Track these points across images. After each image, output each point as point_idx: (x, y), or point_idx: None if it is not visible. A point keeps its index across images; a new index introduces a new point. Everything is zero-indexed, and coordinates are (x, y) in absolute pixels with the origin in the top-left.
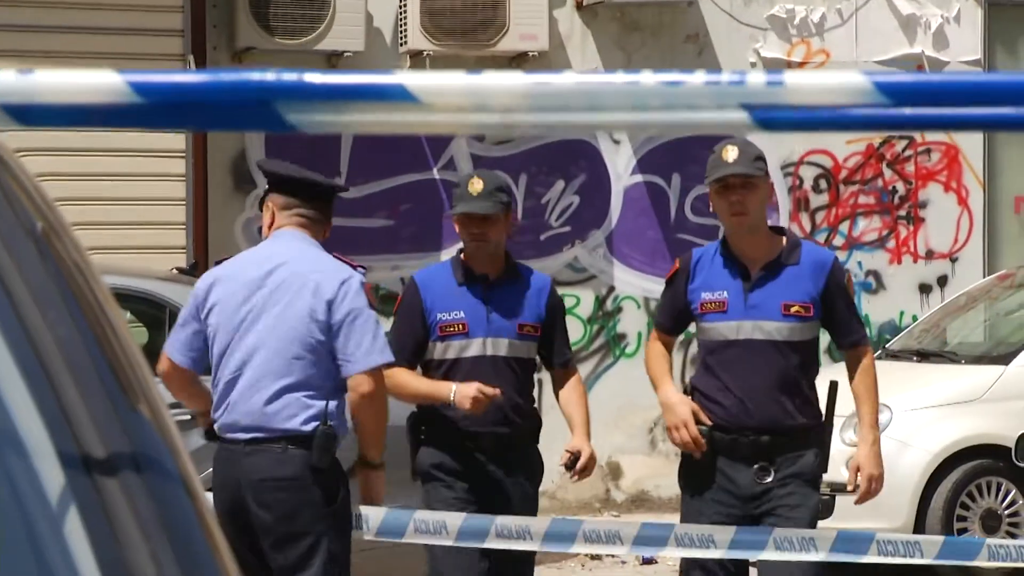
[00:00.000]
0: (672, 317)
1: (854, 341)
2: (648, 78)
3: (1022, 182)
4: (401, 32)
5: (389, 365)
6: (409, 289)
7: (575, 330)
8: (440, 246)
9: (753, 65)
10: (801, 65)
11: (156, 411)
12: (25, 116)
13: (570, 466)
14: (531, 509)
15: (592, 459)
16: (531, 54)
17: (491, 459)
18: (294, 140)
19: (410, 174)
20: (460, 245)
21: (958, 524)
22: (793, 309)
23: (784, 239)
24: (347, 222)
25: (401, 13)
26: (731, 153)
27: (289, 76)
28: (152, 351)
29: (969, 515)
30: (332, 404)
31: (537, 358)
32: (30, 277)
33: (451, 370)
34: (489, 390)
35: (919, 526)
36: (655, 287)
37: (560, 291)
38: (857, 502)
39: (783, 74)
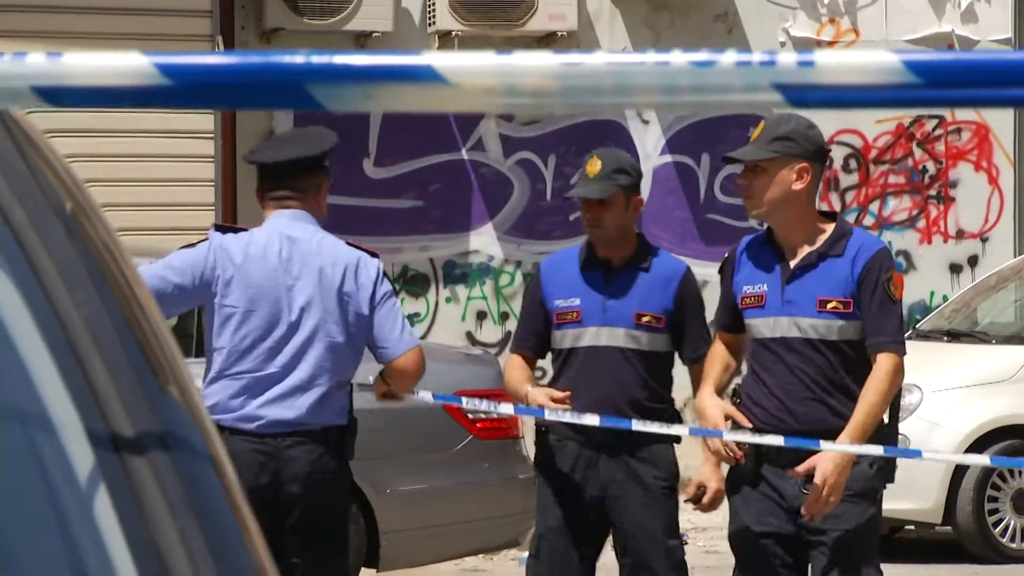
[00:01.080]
0: (727, 312)
1: (875, 344)
2: (678, 58)
3: None
4: (430, 12)
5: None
6: (534, 276)
7: None
8: (469, 227)
9: (782, 44)
10: (831, 44)
11: (185, 391)
12: (55, 98)
13: (696, 499)
14: (658, 506)
15: (720, 493)
16: (560, 34)
17: (608, 455)
18: (323, 121)
19: (438, 155)
20: (490, 225)
21: (989, 504)
22: (830, 305)
23: (832, 226)
24: (376, 203)
25: None
26: (754, 131)
27: (318, 58)
28: (181, 333)
29: (1000, 496)
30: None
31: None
32: (59, 258)
33: (568, 360)
34: (557, 395)
35: (950, 507)
36: None
37: None
38: (804, 512)
39: (814, 54)
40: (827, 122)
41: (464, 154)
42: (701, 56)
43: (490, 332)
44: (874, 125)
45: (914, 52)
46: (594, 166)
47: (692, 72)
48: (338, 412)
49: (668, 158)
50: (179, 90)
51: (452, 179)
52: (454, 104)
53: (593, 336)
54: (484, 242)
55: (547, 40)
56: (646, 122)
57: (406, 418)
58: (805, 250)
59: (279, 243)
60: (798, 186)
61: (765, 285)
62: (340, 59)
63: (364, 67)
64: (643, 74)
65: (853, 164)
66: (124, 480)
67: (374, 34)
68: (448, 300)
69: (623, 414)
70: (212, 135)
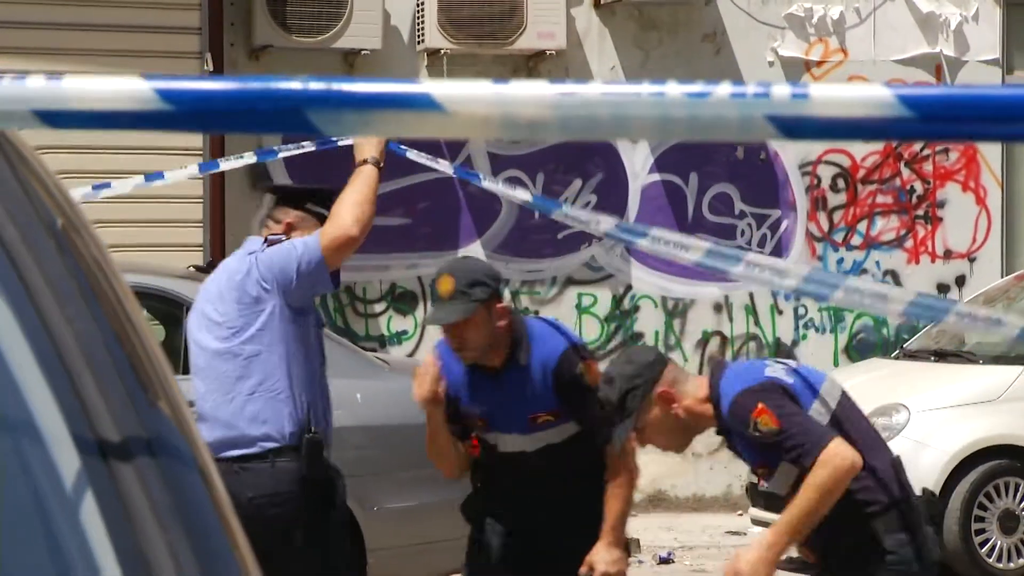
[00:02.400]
0: None
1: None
2: (673, 89)
3: None
4: (418, 30)
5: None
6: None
7: (592, 329)
8: (457, 244)
9: (771, 64)
10: (819, 64)
11: (175, 407)
12: (53, 120)
13: None
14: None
15: (612, 567)
16: (548, 52)
17: (540, 513)
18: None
19: (427, 172)
20: (478, 243)
21: (976, 524)
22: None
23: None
24: None
25: (418, 11)
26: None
27: (316, 85)
28: (169, 348)
29: (987, 516)
30: (314, 407)
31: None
32: (50, 273)
33: (491, 456)
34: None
35: (936, 527)
36: (672, 286)
37: (577, 290)
38: None
39: (808, 87)
40: (815, 141)
41: (453, 171)
42: (696, 87)
43: None
44: (862, 145)
45: (907, 87)
46: (445, 285)
47: (686, 103)
48: (262, 425)
49: (656, 177)
50: (178, 115)
51: (440, 197)
52: (450, 132)
53: (504, 442)
54: None
55: (536, 58)
56: (634, 141)
57: (393, 435)
58: None
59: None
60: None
61: None
62: (338, 86)
63: (362, 94)
64: (638, 104)
65: (841, 184)
66: (113, 494)
67: (363, 52)
68: None
69: (566, 510)
70: (201, 152)
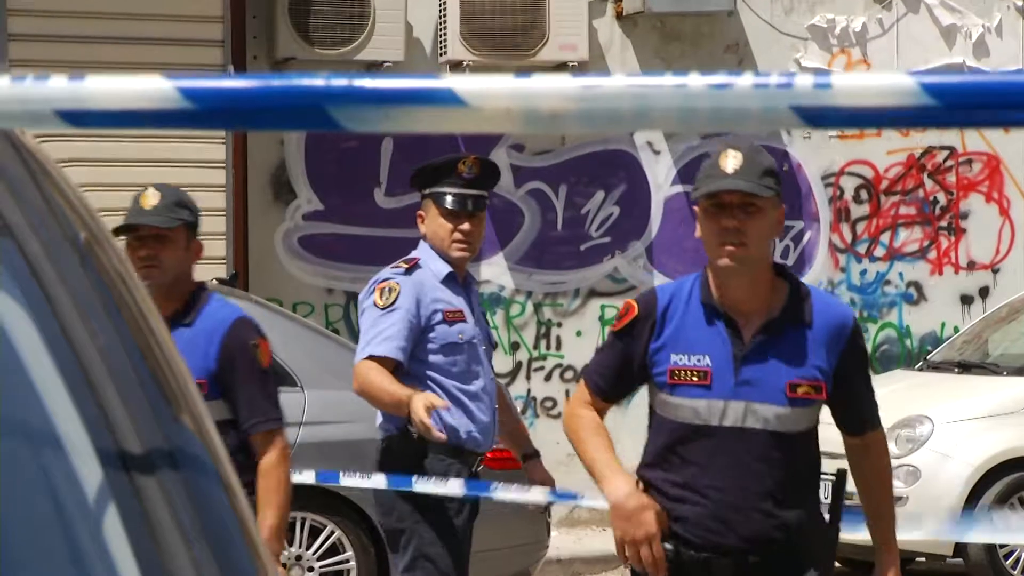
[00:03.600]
0: (615, 378)
1: (870, 425)
2: (696, 80)
3: None
4: (441, 42)
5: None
6: None
7: None
8: (480, 256)
9: None
10: None
11: (199, 420)
12: (77, 120)
13: None
14: None
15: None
16: (571, 64)
17: None
18: (334, 151)
19: None
20: (501, 254)
21: None
22: (801, 390)
23: (788, 286)
24: (387, 232)
25: (441, 23)
26: (731, 160)
27: (338, 81)
28: None
29: None
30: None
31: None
32: (73, 287)
33: None
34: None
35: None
36: None
37: (600, 302)
38: None
39: (830, 76)
40: (838, 153)
41: None
42: (719, 79)
43: (500, 362)
44: (885, 156)
45: (931, 74)
46: (150, 199)
47: (710, 94)
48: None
49: (679, 188)
50: (200, 113)
51: None
52: (472, 126)
53: None
54: (495, 272)
55: (558, 71)
56: (657, 152)
57: None
58: (764, 315)
59: None
60: (773, 233)
61: (708, 357)
62: (360, 82)
63: (384, 90)
64: (661, 95)
65: (864, 195)
66: (137, 509)
67: (385, 64)
68: None
69: None
70: (223, 165)
